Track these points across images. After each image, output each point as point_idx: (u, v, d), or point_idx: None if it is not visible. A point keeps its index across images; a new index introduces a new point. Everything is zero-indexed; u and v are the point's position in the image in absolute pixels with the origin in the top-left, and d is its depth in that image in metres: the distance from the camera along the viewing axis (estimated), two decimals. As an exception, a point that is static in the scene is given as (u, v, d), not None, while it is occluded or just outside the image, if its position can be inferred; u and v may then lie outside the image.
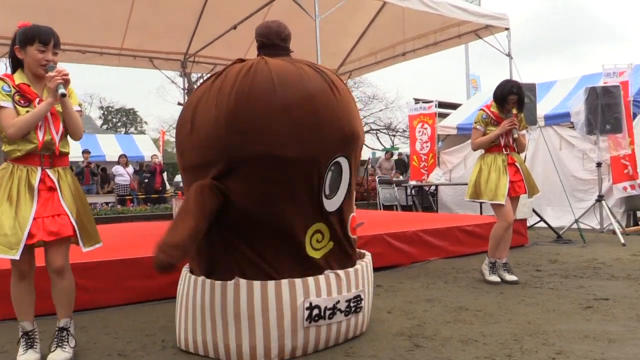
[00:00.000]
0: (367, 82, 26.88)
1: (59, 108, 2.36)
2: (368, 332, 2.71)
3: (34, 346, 2.32)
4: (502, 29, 7.11)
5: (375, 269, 4.52)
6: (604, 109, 6.43)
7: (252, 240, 2.36)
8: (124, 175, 13.19)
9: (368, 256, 2.81)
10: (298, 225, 2.37)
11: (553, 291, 3.58)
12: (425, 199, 10.44)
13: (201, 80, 15.89)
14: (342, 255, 2.55)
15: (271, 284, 2.30)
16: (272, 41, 2.62)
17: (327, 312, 2.38)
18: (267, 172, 2.30)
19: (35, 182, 2.28)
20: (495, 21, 7.03)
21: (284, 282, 2.31)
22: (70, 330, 2.40)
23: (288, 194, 2.34)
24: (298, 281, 2.33)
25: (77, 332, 2.55)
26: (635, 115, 7.33)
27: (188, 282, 2.47)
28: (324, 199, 2.41)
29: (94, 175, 13.21)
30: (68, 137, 2.45)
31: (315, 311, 2.34)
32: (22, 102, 2.29)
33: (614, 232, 6.19)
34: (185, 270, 2.60)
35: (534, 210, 6.62)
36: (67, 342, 2.36)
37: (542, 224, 6.85)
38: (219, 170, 2.32)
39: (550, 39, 55.23)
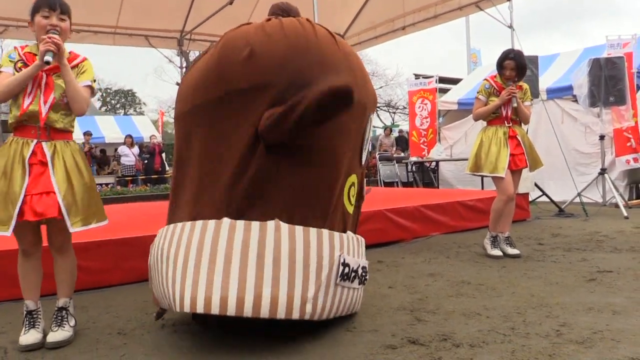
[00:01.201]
0: (366, 58, 26.66)
1: (59, 81, 2.28)
2: (369, 307, 2.69)
3: (36, 326, 2.29)
4: (503, -1, 6.98)
5: (377, 245, 4.55)
6: (607, 80, 6.33)
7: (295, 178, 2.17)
8: (129, 156, 13.16)
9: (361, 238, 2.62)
10: (345, 170, 2.31)
11: (556, 264, 3.56)
12: (426, 175, 10.40)
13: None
14: (355, 217, 2.50)
15: (313, 231, 2.10)
16: (289, 15, 2.63)
17: (352, 274, 2.21)
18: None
19: (27, 155, 2.22)
20: (496, -8, 6.90)
21: (325, 232, 2.14)
22: (70, 310, 2.37)
23: (344, 132, 2.28)
24: (336, 234, 2.18)
25: (77, 311, 2.54)
26: (639, 87, 7.23)
27: (201, 229, 2.06)
28: (363, 150, 2.45)
29: (93, 157, 13.22)
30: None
31: (346, 269, 2.17)
32: (22, 69, 2.24)
33: (616, 205, 6.16)
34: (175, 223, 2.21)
35: (536, 185, 6.58)
36: (67, 321, 2.34)
37: (544, 198, 6.81)
38: (274, 94, 2.11)
39: (552, 13, 54.43)
